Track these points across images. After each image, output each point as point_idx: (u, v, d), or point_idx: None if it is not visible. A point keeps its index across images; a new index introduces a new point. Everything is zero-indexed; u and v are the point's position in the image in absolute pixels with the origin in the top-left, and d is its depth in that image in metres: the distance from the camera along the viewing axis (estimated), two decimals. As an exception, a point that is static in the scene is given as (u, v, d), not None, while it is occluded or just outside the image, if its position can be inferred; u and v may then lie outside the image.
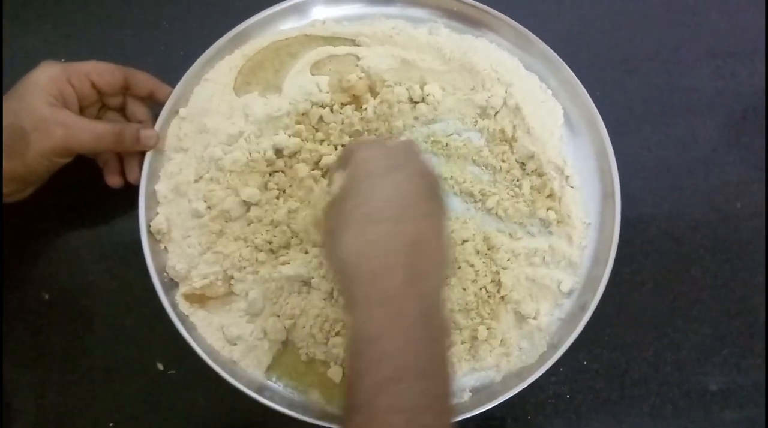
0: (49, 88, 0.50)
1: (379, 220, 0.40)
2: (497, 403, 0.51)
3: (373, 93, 0.60)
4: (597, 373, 0.58)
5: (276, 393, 0.53)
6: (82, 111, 0.54)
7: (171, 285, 0.54)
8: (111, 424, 0.55)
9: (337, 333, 0.53)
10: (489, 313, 0.55)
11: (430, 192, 0.43)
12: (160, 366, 0.56)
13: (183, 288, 0.54)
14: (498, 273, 0.56)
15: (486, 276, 0.56)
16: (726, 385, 0.59)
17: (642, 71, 0.67)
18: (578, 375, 0.58)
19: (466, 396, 0.53)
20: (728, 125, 0.66)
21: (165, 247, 0.54)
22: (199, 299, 0.54)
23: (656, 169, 0.64)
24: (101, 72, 0.54)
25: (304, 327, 0.53)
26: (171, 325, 0.52)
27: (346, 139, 0.58)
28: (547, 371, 0.52)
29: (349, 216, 0.41)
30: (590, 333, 0.54)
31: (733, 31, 0.69)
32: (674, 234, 0.62)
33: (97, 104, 0.56)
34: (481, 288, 0.56)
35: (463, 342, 0.55)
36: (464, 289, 0.55)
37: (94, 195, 0.57)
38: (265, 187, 0.56)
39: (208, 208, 0.55)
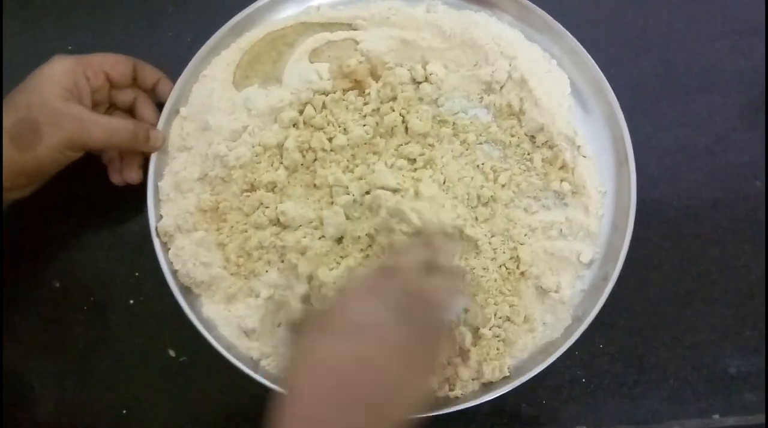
0: (63, 81, 0.50)
1: (335, 337, 0.39)
2: (526, 379, 0.51)
3: (375, 77, 0.59)
4: (614, 357, 0.57)
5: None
6: (92, 108, 0.54)
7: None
8: (124, 411, 0.55)
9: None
10: (510, 290, 0.54)
11: (414, 329, 0.40)
12: (172, 353, 0.56)
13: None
14: (516, 249, 0.55)
15: (504, 253, 0.55)
16: (745, 368, 0.58)
17: (657, 48, 0.65)
18: (594, 359, 0.57)
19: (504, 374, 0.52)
20: (746, 103, 0.64)
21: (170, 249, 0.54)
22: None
23: (673, 148, 0.62)
24: (114, 63, 0.54)
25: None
26: (182, 313, 0.52)
27: (355, 129, 0.57)
28: (563, 355, 0.51)
29: (313, 329, 0.41)
30: (607, 316, 0.53)
31: (751, 7, 0.67)
32: (692, 214, 0.61)
33: (106, 103, 0.56)
34: (500, 266, 0.55)
35: (494, 328, 0.54)
36: (485, 269, 0.54)
37: (106, 186, 0.57)
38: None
39: (214, 204, 0.55)
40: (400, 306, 0.40)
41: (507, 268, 0.55)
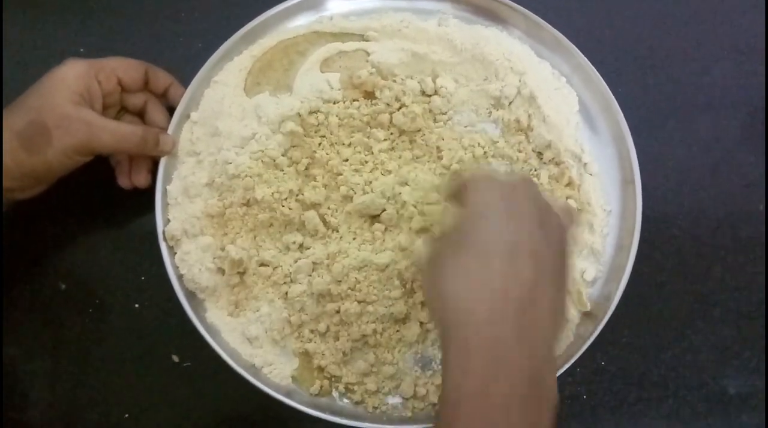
0: (76, 85, 0.51)
1: (493, 257, 0.36)
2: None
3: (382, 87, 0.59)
4: (614, 374, 0.58)
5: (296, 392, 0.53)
6: (103, 111, 0.54)
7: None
8: (126, 415, 0.55)
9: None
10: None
11: (553, 243, 0.39)
12: (175, 358, 0.56)
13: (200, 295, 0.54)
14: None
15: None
16: (745, 389, 0.58)
17: (664, 68, 0.66)
18: (595, 376, 0.57)
19: None
20: (751, 124, 0.64)
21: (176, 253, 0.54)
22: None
23: (678, 168, 0.63)
24: (126, 68, 0.55)
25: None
26: (186, 317, 0.52)
27: (355, 135, 0.57)
28: (564, 372, 0.51)
29: (459, 250, 0.37)
30: (608, 333, 0.53)
31: (757, 27, 0.67)
32: (695, 233, 0.61)
33: (117, 106, 0.57)
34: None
35: None
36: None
37: (113, 189, 0.57)
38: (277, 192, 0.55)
39: (221, 210, 0.55)
40: (537, 220, 0.38)
41: None
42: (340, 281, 0.52)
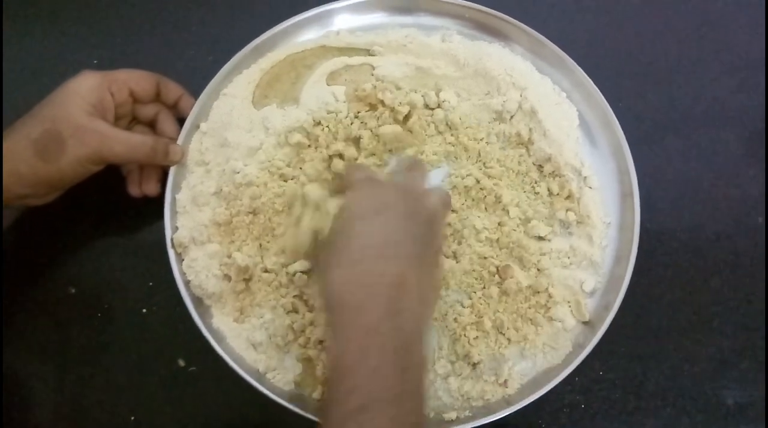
0: (89, 97, 0.53)
1: (361, 259, 0.41)
2: (525, 403, 0.51)
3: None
4: (613, 384, 0.58)
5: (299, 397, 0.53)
6: (115, 122, 0.56)
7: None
8: (132, 418, 0.56)
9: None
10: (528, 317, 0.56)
11: (419, 232, 0.44)
12: (182, 363, 0.57)
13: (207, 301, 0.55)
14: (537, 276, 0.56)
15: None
16: (743, 399, 0.58)
17: (664, 83, 0.67)
18: (594, 385, 0.58)
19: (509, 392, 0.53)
20: (751, 138, 0.65)
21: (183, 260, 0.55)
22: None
23: (677, 181, 0.64)
24: (138, 79, 0.56)
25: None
26: (193, 323, 0.53)
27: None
28: (563, 380, 0.52)
29: (337, 252, 0.42)
30: (607, 343, 0.54)
31: (756, 43, 0.68)
32: (694, 246, 0.62)
33: (129, 116, 0.58)
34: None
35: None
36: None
37: (124, 197, 0.59)
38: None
39: (228, 218, 0.56)
40: (403, 213, 0.44)
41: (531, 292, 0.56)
42: None
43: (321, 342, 0.53)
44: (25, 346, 0.57)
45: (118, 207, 0.60)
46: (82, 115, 0.52)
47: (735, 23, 0.69)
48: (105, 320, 0.58)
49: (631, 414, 0.57)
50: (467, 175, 0.58)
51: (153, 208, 0.57)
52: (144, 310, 0.58)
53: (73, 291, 0.59)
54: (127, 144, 0.53)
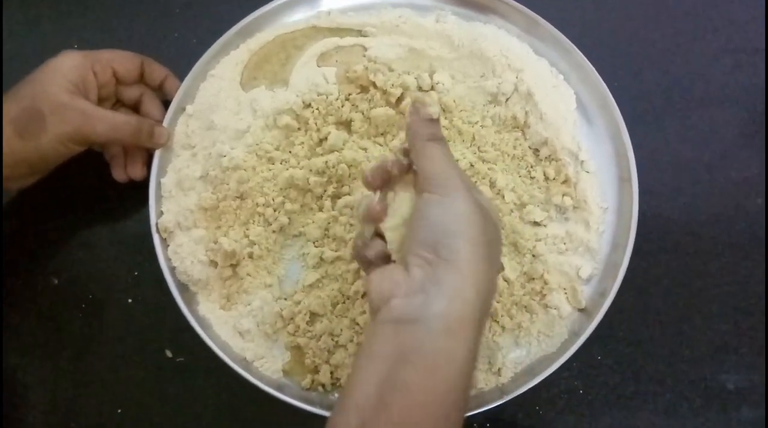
0: (71, 75, 0.51)
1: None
2: (522, 391, 0.50)
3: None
4: (611, 368, 0.57)
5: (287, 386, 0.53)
6: (98, 103, 0.54)
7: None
8: (119, 410, 0.55)
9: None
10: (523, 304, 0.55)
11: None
12: (169, 354, 0.56)
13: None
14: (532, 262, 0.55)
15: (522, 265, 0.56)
16: (743, 383, 0.57)
17: (661, 63, 0.65)
18: (592, 370, 0.57)
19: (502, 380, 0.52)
20: (749, 119, 0.64)
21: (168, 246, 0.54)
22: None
23: (675, 163, 0.62)
24: (121, 60, 0.55)
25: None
26: (180, 313, 0.52)
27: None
28: (561, 366, 0.51)
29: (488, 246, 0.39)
30: (605, 328, 0.53)
31: (754, 25, 0.67)
32: (692, 229, 0.61)
33: (113, 98, 0.57)
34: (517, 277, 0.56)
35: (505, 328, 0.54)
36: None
37: (106, 184, 0.57)
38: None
39: (215, 203, 0.55)
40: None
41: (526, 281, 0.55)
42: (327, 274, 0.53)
43: (314, 329, 0.52)
44: (7, 338, 0.56)
45: (101, 195, 0.59)
46: (63, 93, 0.50)
47: (734, 2, 0.68)
48: (90, 311, 0.57)
49: (630, 399, 0.56)
50: (461, 159, 0.57)
51: (137, 196, 0.56)
52: (130, 300, 0.57)
53: (56, 281, 0.57)
54: (110, 123, 0.52)
